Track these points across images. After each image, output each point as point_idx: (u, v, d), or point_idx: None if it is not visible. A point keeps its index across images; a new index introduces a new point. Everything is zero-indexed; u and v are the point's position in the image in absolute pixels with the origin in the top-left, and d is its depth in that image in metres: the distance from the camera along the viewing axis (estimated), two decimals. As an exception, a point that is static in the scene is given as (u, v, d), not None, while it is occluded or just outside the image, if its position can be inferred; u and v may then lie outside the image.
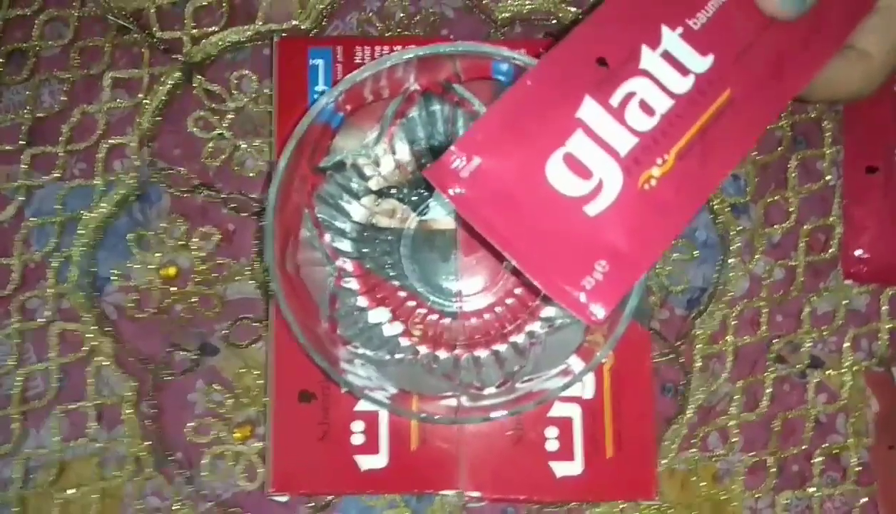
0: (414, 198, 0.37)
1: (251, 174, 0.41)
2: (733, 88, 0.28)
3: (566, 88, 0.28)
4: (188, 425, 0.39)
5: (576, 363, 0.31)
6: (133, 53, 0.42)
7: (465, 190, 0.26)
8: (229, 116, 0.41)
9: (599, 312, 0.26)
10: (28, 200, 0.41)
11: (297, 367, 0.35)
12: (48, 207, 0.41)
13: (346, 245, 0.36)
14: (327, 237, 0.36)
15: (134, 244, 0.41)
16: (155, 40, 0.42)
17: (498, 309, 0.37)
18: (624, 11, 0.29)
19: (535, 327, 0.36)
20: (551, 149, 0.27)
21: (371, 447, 0.35)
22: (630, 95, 0.28)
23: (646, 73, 0.28)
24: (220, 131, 0.41)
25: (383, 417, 0.35)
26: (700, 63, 0.29)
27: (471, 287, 0.37)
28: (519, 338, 0.36)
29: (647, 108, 0.28)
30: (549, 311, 0.36)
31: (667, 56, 0.28)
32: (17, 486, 0.39)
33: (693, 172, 0.28)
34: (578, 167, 0.27)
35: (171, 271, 0.41)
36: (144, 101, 0.41)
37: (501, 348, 0.36)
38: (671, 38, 0.29)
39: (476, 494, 0.35)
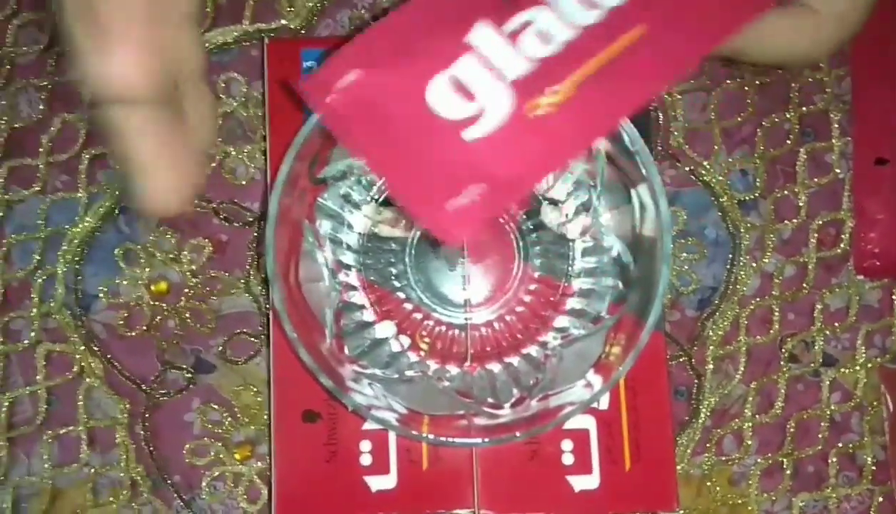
0: (417, 205, 0.36)
1: (243, 182, 0.40)
2: (650, 25, 0.27)
3: (460, 11, 0.26)
4: (185, 446, 0.38)
5: (595, 379, 0.30)
6: (114, 58, 0.40)
7: (336, 103, 0.25)
8: (218, 121, 0.40)
9: (462, 232, 0.25)
10: (8, 216, 0.39)
11: (299, 386, 0.34)
12: (29, 222, 0.39)
13: (349, 257, 0.35)
14: (329, 250, 0.34)
15: (121, 259, 0.39)
16: (137, 43, 0.40)
17: (509, 318, 0.35)
18: None
19: (549, 337, 0.34)
20: (436, 70, 0.26)
21: (381, 467, 0.34)
22: (529, 24, 0.26)
23: (548, 4, 0.26)
24: (209, 138, 0.39)
25: (393, 436, 0.34)
26: None
27: (478, 296, 0.36)
28: (532, 349, 0.34)
29: (545, 36, 0.26)
30: (561, 321, 0.34)
31: None
32: (7, 516, 0.37)
33: (594, 104, 0.26)
34: (463, 90, 0.26)
35: (162, 285, 0.39)
36: (128, 108, 0.39)
37: (515, 360, 0.34)
38: None
39: (491, 512, 0.34)
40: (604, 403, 0.35)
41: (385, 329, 0.35)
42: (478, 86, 0.26)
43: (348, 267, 0.35)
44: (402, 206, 0.26)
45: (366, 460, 0.34)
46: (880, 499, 0.39)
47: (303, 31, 0.40)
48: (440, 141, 0.26)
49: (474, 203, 0.25)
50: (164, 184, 0.24)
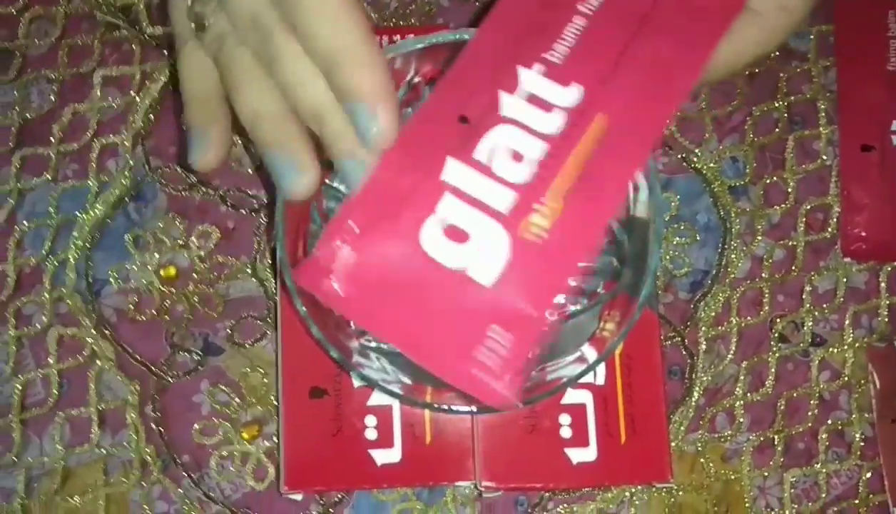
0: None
1: (249, 170, 0.41)
2: (608, 111, 0.26)
3: (429, 155, 0.25)
4: (194, 426, 0.39)
5: (589, 352, 0.31)
6: (123, 50, 0.41)
7: (337, 284, 0.24)
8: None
9: (509, 389, 0.24)
10: (20, 204, 0.40)
11: (306, 363, 0.35)
12: (41, 209, 0.40)
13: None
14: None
15: (131, 245, 0.40)
16: (146, 36, 0.41)
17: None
18: (478, 62, 0.27)
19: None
20: (422, 220, 0.25)
21: (385, 441, 0.35)
22: (497, 147, 0.25)
23: (510, 121, 0.26)
24: (216, 127, 0.41)
25: (396, 411, 0.35)
26: (566, 96, 0.26)
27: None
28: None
29: (517, 156, 0.25)
30: (559, 297, 0.36)
31: (529, 97, 0.26)
32: (20, 496, 0.38)
33: (583, 210, 0.25)
34: (457, 234, 0.25)
35: (171, 271, 0.40)
36: (137, 98, 0.41)
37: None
38: (530, 78, 0.26)
39: (491, 484, 0.35)
40: (600, 379, 0.36)
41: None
42: (468, 225, 0.25)
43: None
44: (435, 374, 0.24)
45: (371, 434, 0.35)
46: (868, 475, 0.40)
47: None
48: (453, 293, 0.24)
49: (509, 352, 0.24)
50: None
